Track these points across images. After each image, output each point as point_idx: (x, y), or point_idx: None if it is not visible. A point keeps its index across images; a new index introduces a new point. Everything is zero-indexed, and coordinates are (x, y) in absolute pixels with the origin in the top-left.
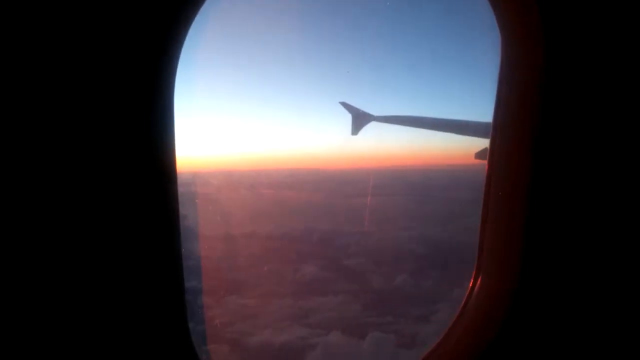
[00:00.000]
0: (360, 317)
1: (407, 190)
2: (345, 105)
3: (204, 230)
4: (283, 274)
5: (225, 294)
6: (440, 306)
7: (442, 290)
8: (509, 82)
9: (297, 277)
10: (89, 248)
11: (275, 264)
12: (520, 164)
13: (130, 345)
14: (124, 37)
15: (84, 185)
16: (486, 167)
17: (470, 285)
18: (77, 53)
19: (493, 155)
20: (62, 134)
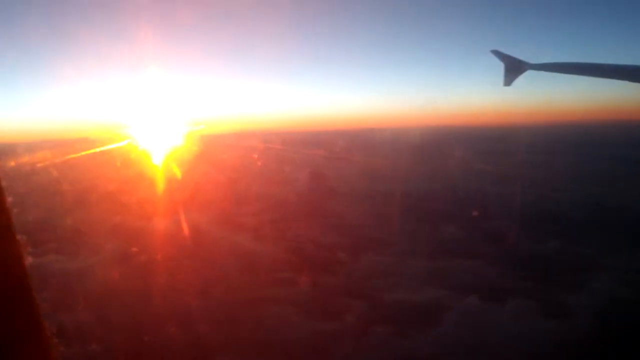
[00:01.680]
0: (502, 282)
1: (566, 148)
2: (497, 53)
3: (343, 189)
4: (422, 233)
5: (363, 251)
6: (593, 275)
7: (598, 259)
8: None
9: (437, 237)
10: None
11: (415, 224)
12: None
13: None
14: None
15: None
16: None
17: None
18: None
19: None
20: None
